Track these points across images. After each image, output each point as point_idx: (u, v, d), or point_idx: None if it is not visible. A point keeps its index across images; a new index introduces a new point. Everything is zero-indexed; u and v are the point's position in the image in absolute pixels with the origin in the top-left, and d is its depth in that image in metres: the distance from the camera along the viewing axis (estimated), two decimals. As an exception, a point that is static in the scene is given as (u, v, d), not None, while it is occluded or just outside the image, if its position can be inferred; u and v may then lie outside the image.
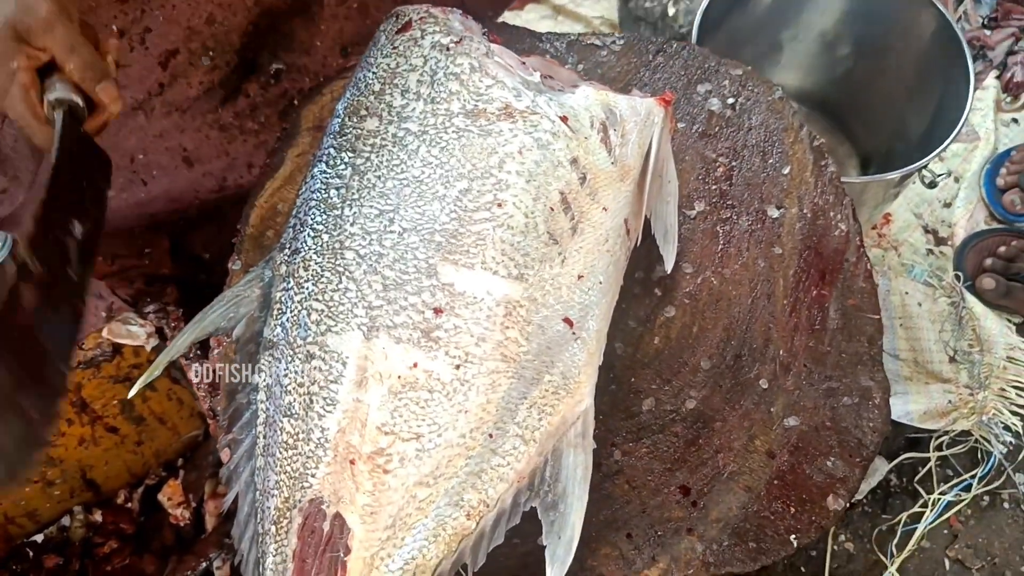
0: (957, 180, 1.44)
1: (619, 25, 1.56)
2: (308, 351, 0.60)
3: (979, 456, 1.21)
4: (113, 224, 0.99)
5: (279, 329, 0.62)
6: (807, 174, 0.81)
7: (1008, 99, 1.54)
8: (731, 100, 0.85)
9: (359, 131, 0.65)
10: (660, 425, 0.70)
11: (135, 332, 0.81)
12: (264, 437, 0.61)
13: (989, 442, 1.20)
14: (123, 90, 0.88)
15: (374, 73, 0.67)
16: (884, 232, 1.37)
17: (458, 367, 0.58)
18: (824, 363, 0.73)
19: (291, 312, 0.61)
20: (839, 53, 1.28)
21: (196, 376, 0.79)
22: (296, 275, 0.62)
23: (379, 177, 0.63)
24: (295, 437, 0.59)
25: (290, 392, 0.60)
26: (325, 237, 0.62)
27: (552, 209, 0.61)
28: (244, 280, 0.64)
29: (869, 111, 1.31)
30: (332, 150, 0.66)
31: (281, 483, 0.59)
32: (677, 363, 0.72)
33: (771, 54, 1.33)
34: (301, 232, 0.64)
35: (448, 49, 0.66)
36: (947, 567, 1.17)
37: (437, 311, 0.59)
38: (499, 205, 0.60)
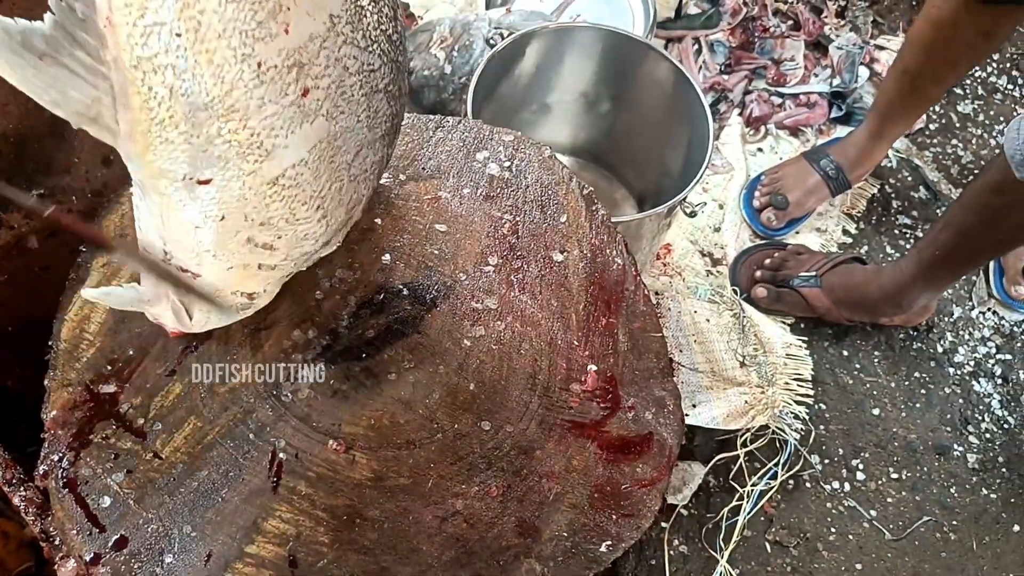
0: (721, 207, 1.62)
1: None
2: None
3: (778, 445, 1.36)
4: None
5: None
6: (582, 219, 0.91)
7: (751, 132, 1.75)
8: (507, 163, 0.94)
9: None
10: (487, 463, 0.76)
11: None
12: None
13: (784, 431, 1.35)
14: None
15: None
16: (667, 261, 1.52)
17: None
18: (621, 382, 0.83)
19: None
20: (601, 109, 1.43)
21: (22, 500, 0.77)
22: None
23: None
24: None
25: None
26: None
27: None
28: None
29: (635, 156, 1.47)
30: None
31: None
32: (494, 403, 0.79)
33: (543, 116, 1.46)
34: None
35: None
36: (768, 550, 1.30)
37: None
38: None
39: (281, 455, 0.73)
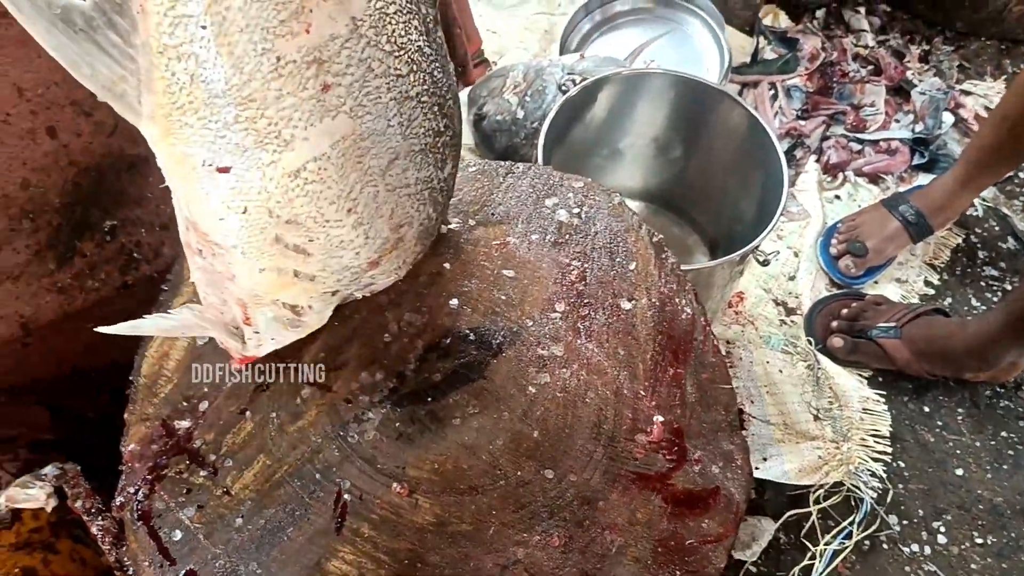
0: (797, 255, 1.59)
1: (475, 147, 1.67)
2: None
3: (853, 503, 1.31)
4: None
5: None
6: (651, 267, 0.91)
7: (828, 179, 1.72)
8: (576, 210, 0.94)
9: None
10: (549, 512, 0.75)
11: (34, 495, 0.82)
12: None
13: (859, 489, 1.30)
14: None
15: None
16: (740, 309, 1.50)
17: None
18: (688, 435, 0.81)
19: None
20: (672, 155, 1.43)
21: (99, 530, 0.80)
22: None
23: None
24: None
25: None
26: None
27: None
28: None
29: (707, 202, 1.46)
30: None
31: None
32: (557, 451, 0.78)
33: (614, 161, 1.46)
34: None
35: None
36: (841, 613, 1.25)
37: None
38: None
39: (346, 496, 0.74)
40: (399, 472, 0.75)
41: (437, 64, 0.70)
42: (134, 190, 1.02)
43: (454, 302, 0.85)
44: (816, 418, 1.36)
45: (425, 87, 0.69)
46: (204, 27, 0.58)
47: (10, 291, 0.94)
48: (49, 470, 0.84)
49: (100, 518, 0.82)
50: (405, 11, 0.65)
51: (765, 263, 1.16)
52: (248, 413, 0.78)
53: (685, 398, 0.83)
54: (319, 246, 0.69)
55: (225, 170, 0.63)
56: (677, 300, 0.89)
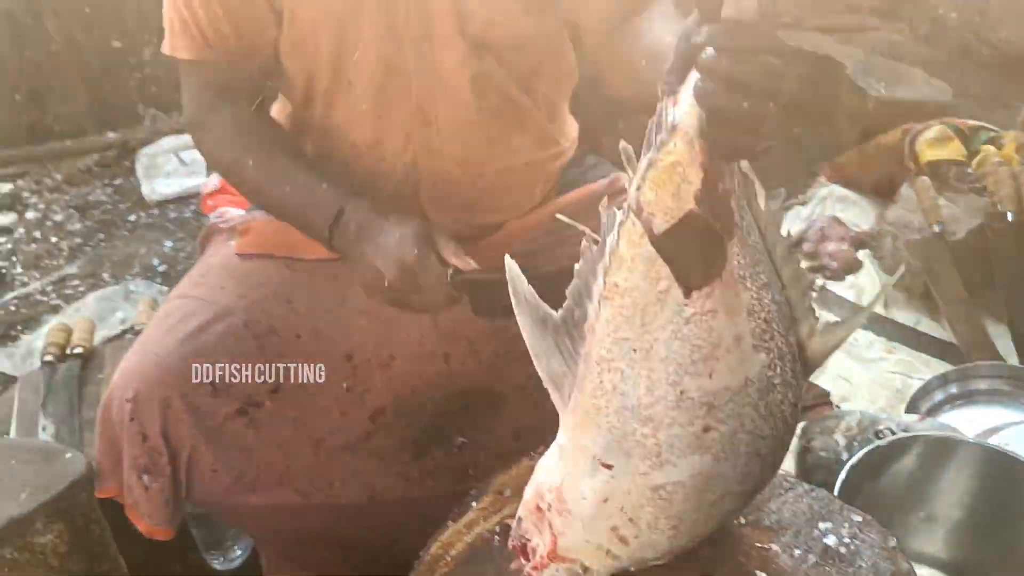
0: None
1: (796, 475, 1.71)
2: None
3: None
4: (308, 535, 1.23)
5: None
6: (909, 617, 0.90)
7: None
8: (847, 540, 0.98)
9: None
10: None
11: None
12: None
13: None
14: (339, 433, 1.16)
15: None
16: None
17: None
18: None
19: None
20: (992, 531, 1.35)
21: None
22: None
23: None
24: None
25: None
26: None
27: None
28: None
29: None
30: None
31: None
32: None
33: (929, 524, 1.40)
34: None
35: None
36: None
37: None
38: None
39: None
40: None
41: (790, 431, 0.81)
42: (487, 420, 1.26)
43: (699, 582, 0.93)
44: None
45: (773, 448, 0.80)
46: (635, 351, 0.75)
47: (373, 466, 1.21)
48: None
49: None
50: (784, 384, 0.77)
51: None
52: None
53: None
54: (638, 543, 0.82)
55: (608, 467, 0.79)
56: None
